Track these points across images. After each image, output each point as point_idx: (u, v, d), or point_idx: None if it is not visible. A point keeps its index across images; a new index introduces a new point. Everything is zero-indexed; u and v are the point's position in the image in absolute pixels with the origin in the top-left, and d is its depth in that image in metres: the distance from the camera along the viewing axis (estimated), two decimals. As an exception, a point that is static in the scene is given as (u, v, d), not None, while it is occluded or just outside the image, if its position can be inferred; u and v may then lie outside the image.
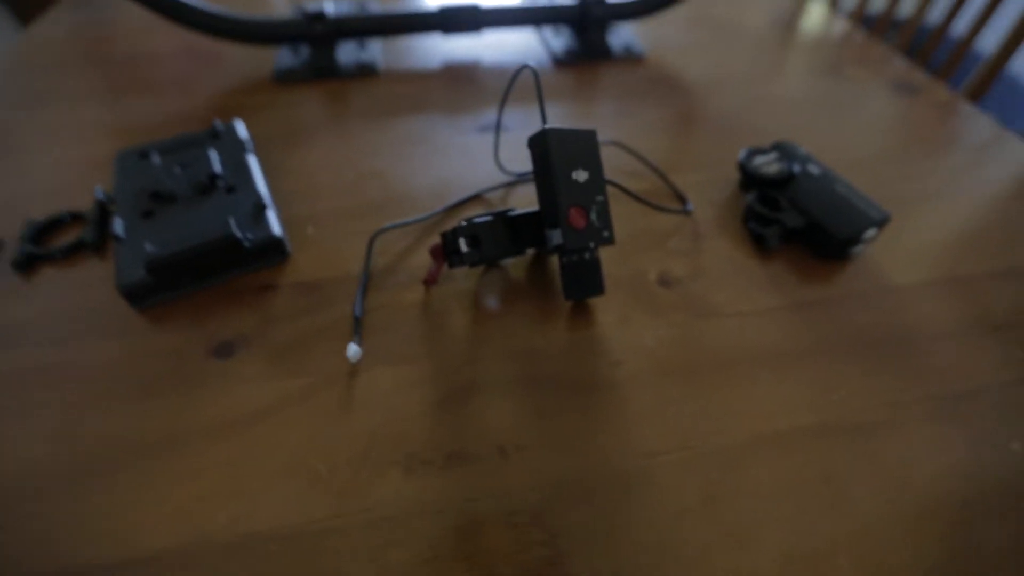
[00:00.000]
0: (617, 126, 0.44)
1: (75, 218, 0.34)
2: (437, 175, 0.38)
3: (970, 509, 0.23)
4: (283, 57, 0.49)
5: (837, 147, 0.43)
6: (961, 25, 0.74)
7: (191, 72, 0.48)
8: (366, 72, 0.48)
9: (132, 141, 0.40)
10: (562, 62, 0.51)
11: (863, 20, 0.83)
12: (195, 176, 0.34)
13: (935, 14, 0.76)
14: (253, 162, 0.36)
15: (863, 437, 0.25)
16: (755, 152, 0.36)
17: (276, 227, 0.31)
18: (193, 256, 0.28)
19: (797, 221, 0.32)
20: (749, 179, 0.35)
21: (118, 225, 0.30)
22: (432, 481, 0.22)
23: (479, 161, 0.39)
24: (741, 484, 0.23)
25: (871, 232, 0.32)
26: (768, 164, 0.35)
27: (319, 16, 0.46)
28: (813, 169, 0.35)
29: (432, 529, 0.21)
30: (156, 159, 0.35)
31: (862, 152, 0.42)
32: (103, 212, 0.34)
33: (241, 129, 0.38)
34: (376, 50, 0.51)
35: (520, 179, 0.37)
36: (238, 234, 0.29)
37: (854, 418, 0.26)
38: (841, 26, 0.61)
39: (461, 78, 0.49)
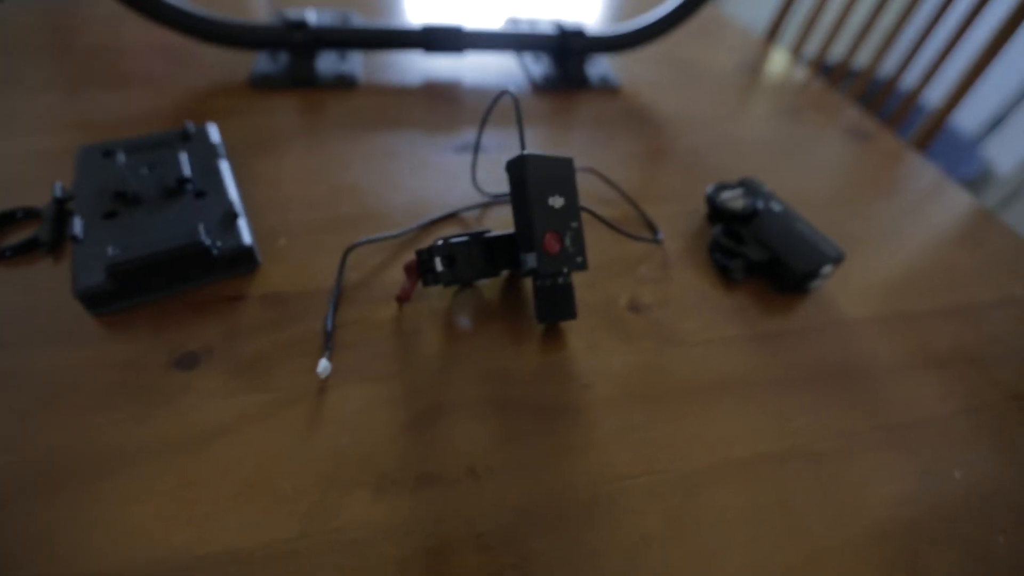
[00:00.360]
0: (592, 154, 0.45)
1: (28, 214, 0.32)
2: (413, 192, 0.38)
3: (916, 535, 0.24)
4: (261, 62, 0.49)
5: (795, 186, 0.45)
6: (911, 77, 0.80)
7: (162, 69, 0.47)
8: (345, 84, 0.48)
9: (95, 137, 0.39)
10: (541, 88, 0.52)
11: (822, 68, 0.88)
12: (163, 178, 0.33)
13: (888, 65, 0.82)
14: (225, 168, 0.35)
15: (818, 465, 0.26)
16: (722, 187, 0.38)
17: (247, 236, 0.30)
18: (158, 262, 0.27)
19: (760, 255, 0.34)
20: (716, 212, 0.37)
21: (77, 225, 0.29)
22: (402, 502, 0.22)
23: (456, 180, 0.39)
24: (703, 510, 0.24)
25: (828, 268, 0.33)
26: (734, 199, 0.37)
27: (300, 25, 0.46)
28: (775, 206, 0.36)
29: (401, 551, 0.21)
30: (122, 158, 0.34)
31: (818, 192, 0.45)
32: (60, 210, 0.32)
33: (214, 133, 0.37)
34: (356, 62, 0.51)
35: (496, 200, 0.38)
36: (207, 241, 0.28)
37: (810, 446, 0.27)
38: (801, 73, 0.65)
39: (441, 96, 0.49)
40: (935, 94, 0.78)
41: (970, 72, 0.68)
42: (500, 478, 0.23)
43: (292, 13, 0.47)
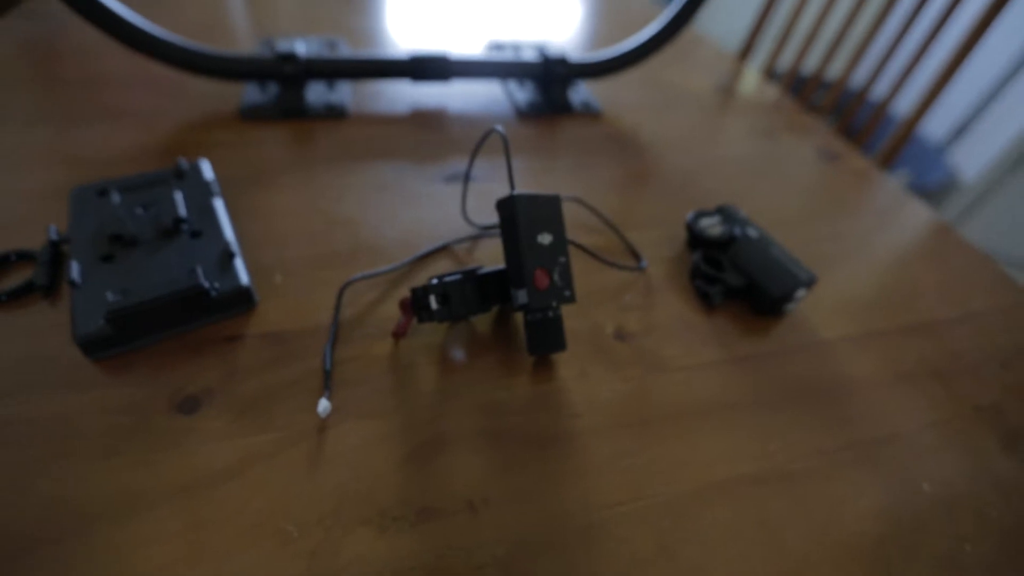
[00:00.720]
0: (577, 180, 0.46)
1: (22, 257, 0.33)
2: (405, 224, 0.39)
3: (888, 548, 0.26)
4: (250, 93, 0.50)
5: (770, 207, 0.47)
6: (882, 87, 0.83)
7: (151, 102, 0.48)
8: (335, 114, 0.49)
9: (86, 172, 0.39)
10: (525, 114, 0.54)
11: (796, 79, 0.91)
12: (159, 218, 0.33)
13: (859, 75, 0.85)
14: (220, 205, 0.35)
15: (795, 483, 0.28)
16: (701, 214, 0.39)
17: (244, 276, 0.31)
18: (157, 307, 0.28)
19: (738, 280, 0.36)
20: (695, 239, 0.38)
21: (75, 270, 0.29)
22: (403, 539, 0.23)
23: (446, 211, 0.41)
24: (690, 532, 0.25)
25: (801, 292, 0.35)
26: (712, 226, 0.38)
27: (290, 56, 0.47)
28: (752, 232, 0.38)
29: (403, 587, 0.22)
30: (116, 198, 0.34)
31: (792, 213, 0.47)
32: (56, 253, 0.32)
33: (207, 169, 0.38)
34: (345, 92, 0.52)
35: (486, 233, 0.39)
36: (205, 284, 0.29)
37: (787, 466, 0.28)
38: (774, 93, 0.67)
39: (429, 124, 0.50)
40: (904, 103, 0.82)
41: (937, 81, 0.72)
42: (497, 509, 0.25)
43: (281, 44, 0.48)
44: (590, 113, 0.56)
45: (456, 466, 0.26)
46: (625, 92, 0.61)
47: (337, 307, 0.31)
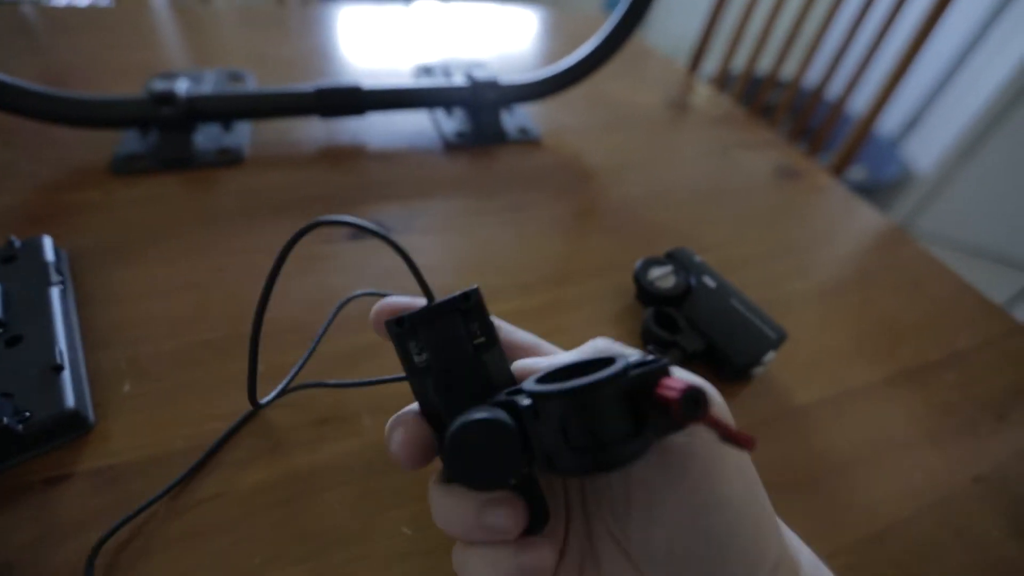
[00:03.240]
0: (511, 222, 0.41)
1: None
2: (301, 298, 0.32)
3: None
4: (127, 142, 0.42)
5: (729, 241, 0.42)
6: (836, 85, 0.81)
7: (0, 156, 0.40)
8: (229, 159, 0.42)
9: None
10: (454, 145, 0.48)
11: (750, 81, 0.88)
12: (-34, 322, 0.26)
13: (813, 75, 0.83)
14: (55, 297, 0.28)
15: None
16: (651, 263, 0.34)
17: (70, 396, 0.24)
18: (-68, 458, 0.21)
19: (696, 344, 0.30)
20: (645, 293, 0.33)
21: None
22: None
23: (353, 275, 0.34)
24: None
25: (770, 355, 0.30)
26: (664, 278, 0.33)
27: (167, 96, 0.40)
28: (709, 281, 0.33)
29: None
30: (-86, 297, 0.27)
31: (751, 247, 0.42)
32: None
33: (47, 249, 0.31)
34: (243, 133, 0.45)
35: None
36: (4, 420, 0.22)
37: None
38: (726, 104, 0.63)
39: (342, 165, 0.44)
40: (859, 100, 0.79)
41: (890, 77, 0.69)
42: None
43: (160, 83, 0.41)
44: (527, 140, 0.50)
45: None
46: (567, 113, 0.56)
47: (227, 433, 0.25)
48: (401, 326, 0.17)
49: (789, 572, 0.16)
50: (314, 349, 0.29)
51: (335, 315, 0.31)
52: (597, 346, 0.18)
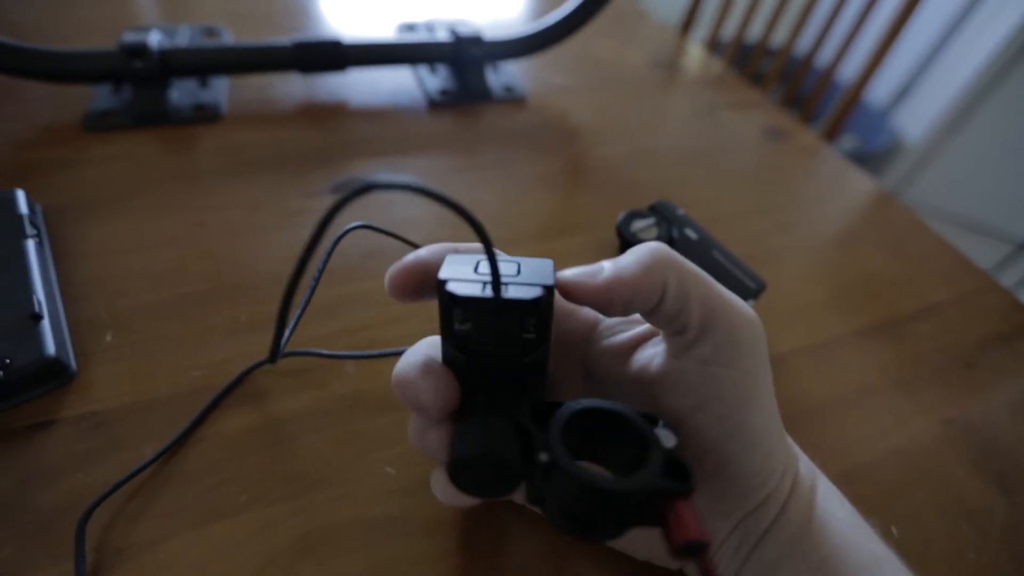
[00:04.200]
0: (497, 179, 0.40)
1: None
2: (280, 253, 0.32)
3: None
4: (100, 98, 0.41)
5: (713, 199, 0.43)
6: (827, 53, 0.80)
7: (-30, 115, 0.39)
8: (206, 117, 0.41)
9: None
10: (438, 103, 0.47)
11: (741, 49, 0.87)
12: (-61, 273, 0.26)
13: (804, 43, 0.82)
14: (31, 249, 0.28)
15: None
16: (633, 215, 0.34)
17: (50, 344, 0.24)
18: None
19: (676, 295, 0.31)
20: (628, 245, 0.33)
21: None
22: None
23: (336, 229, 0.34)
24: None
25: (749, 304, 0.31)
26: (647, 229, 0.33)
27: (139, 49, 0.39)
28: (691, 234, 0.33)
29: None
30: None
31: (735, 204, 0.42)
32: None
33: (21, 202, 0.30)
34: (221, 89, 0.44)
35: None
36: (-18, 366, 0.22)
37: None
38: (717, 67, 0.62)
39: (323, 123, 0.43)
40: (849, 68, 0.79)
41: (880, 45, 0.69)
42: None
43: (132, 35, 0.39)
44: (513, 99, 0.49)
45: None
46: (553, 72, 0.55)
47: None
48: (448, 294, 0.15)
49: (793, 467, 0.18)
50: (312, 293, 0.29)
51: (332, 249, 0.30)
52: (652, 248, 0.16)
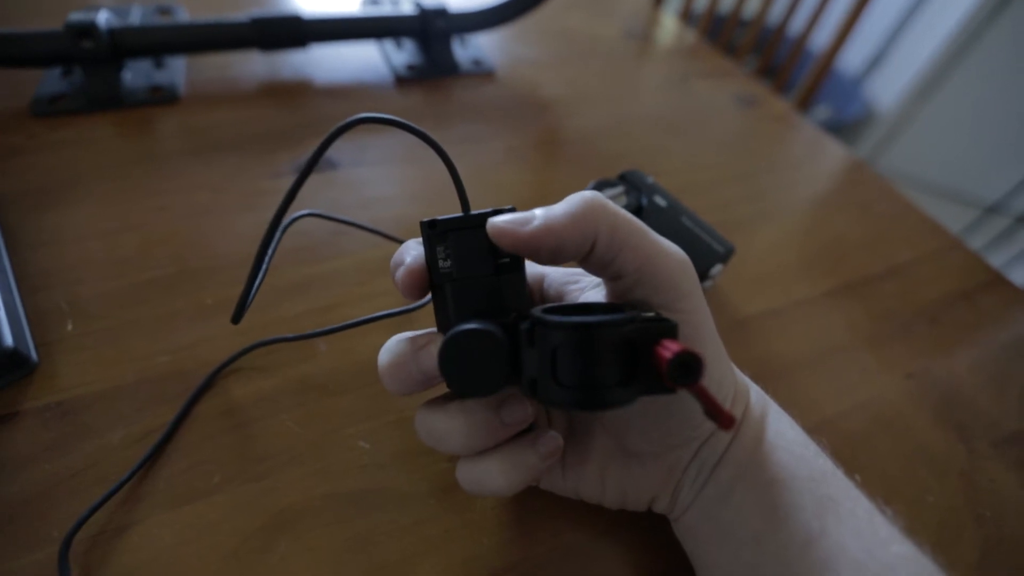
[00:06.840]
0: (468, 154, 0.40)
1: None
2: (244, 233, 0.31)
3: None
4: (48, 82, 0.39)
5: (684, 167, 0.43)
6: (799, 21, 0.80)
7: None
8: (163, 98, 0.40)
9: None
10: (405, 79, 0.46)
11: (714, 18, 0.87)
12: None
13: (776, 12, 0.82)
14: (-19, 238, 0.27)
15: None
16: (603, 185, 0.34)
17: (7, 335, 0.23)
18: None
19: (647, 262, 0.31)
20: (600, 216, 0.33)
21: None
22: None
23: (296, 209, 0.33)
24: None
25: (717, 268, 0.31)
26: (616, 197, 0.33)
27: (87, 29, 0.37)
28: (660, 201, 0.33)
29: None
30: None
31: (706, 173, 0.43)
32: None
33: (-32, 190, 0.29)
34: (178, 69, 0.43)
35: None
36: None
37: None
38: (690, 37, 0.62)
39: (285, 102, 0.42)
40: (821, 37, 0.79)
41: (851, 12, 0.69)
42: (356, 606, 0.19)
43: (78, 15, 0.38)
44: (481, 72, 0.49)
45: (306, 553, 0.20)
46: (522, 45, 0.54)
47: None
48: (433, 228, 0.17)
49: (744, 396, 0.20)
50: (266, 270, 0.28)
51: (280, 237, 0.30)
52: (584, 197, 0.17)
